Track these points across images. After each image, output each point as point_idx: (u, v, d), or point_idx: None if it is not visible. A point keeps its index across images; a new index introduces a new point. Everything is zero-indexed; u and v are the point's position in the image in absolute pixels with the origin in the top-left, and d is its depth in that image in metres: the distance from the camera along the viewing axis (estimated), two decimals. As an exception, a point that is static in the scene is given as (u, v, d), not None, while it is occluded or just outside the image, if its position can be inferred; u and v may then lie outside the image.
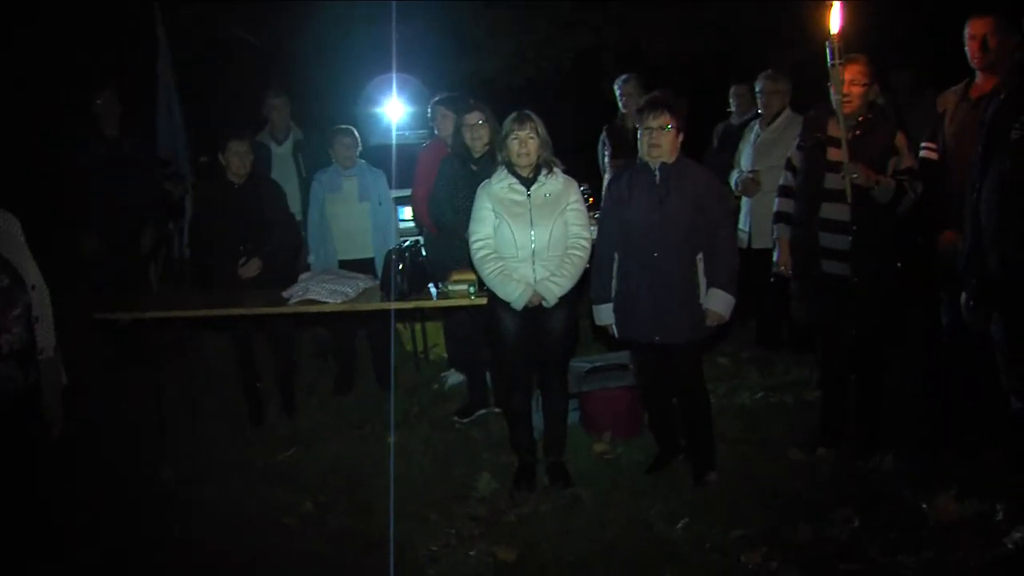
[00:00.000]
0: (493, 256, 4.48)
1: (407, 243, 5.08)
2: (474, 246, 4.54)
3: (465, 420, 5.55)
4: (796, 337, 5.94)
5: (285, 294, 5.11)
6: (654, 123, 4.38)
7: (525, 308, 4.45)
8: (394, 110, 8.30)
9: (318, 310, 5.02)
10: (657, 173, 4.42)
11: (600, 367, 5.11)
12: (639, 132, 4.47)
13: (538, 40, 10.33)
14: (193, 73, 7.87)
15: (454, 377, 6.24)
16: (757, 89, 6.00)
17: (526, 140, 4.45)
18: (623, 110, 6.71)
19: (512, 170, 4.52)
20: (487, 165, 5.33)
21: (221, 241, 5.52)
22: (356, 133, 6.05)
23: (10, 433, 3.13)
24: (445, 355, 6.69)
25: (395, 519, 4.34)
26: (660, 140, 4.38)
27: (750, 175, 5.82)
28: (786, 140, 5.76)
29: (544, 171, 4.52)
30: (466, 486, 4.64)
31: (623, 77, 6.70)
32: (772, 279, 5.02)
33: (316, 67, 9.22)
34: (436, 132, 5.97)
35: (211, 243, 5.53)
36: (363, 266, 5.84)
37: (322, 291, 5.00)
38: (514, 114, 4.53)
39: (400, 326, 6.66)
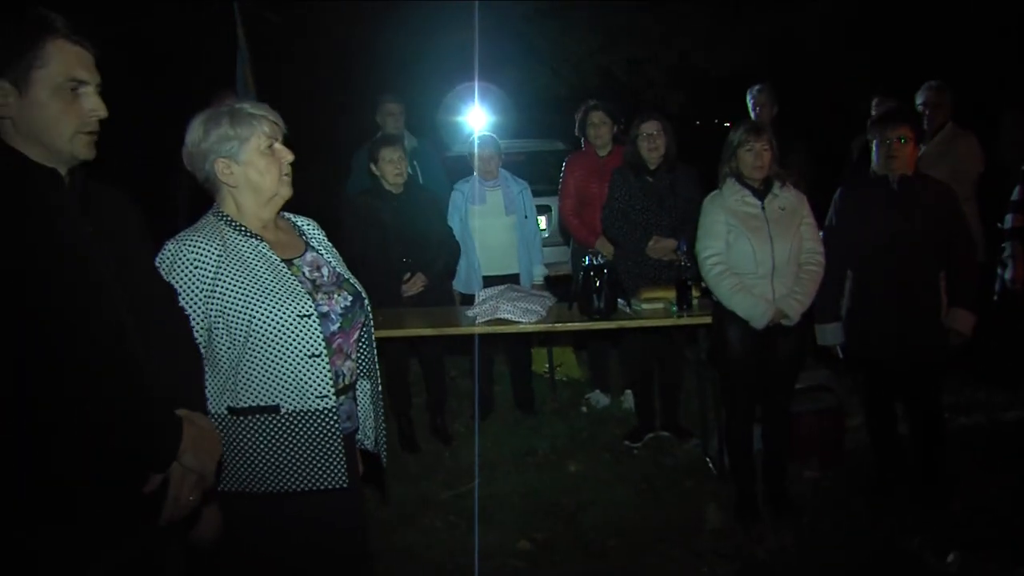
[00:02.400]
0: (729, 272, 4.12)
1: (600, 259, 4.65)
2: (708, 261, 4.17)
3: (637, 444, 5.16)
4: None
5: (470, 313, 4.67)
6: (893, 135, 4.11)
7: (757, 328, 4.10)
8: (476, 119, 7.86)
9: (516, 330, 4.58)
10: (896, 186, 4.12)
11: (803, 389, 4.76)
12: (874, 144, 4.18)
13: (588, 50, 10.00)
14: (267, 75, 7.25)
15: (600, 398, 5.86)
16: (919, 101, 5.71)
17: (761, 152, 4.11)
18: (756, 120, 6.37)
19: (743, 182, 4.17)
20: (663, 176, 5.01)
21: (380, 256, 4.97)
22: (498, 143, 5.61)
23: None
24: (571, 375, 6.32)
25: (631, 556, 3.97)
26: (899, 152, 4.11)
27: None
28: (952, 153, 5.51)
29: (778, 184, 4.18)
30: (688, 517, 4.28)
31: (756, 87, 6.36)
32: (996, 297, 4.76)
33: (395, 72, 8.68)
34: (588, 140, 5.60)
35: (368, 258, 4.96)
36: (507, 282, 5.38)
37: (514, 310, 4.56)
38: (746, 124, 4.21)
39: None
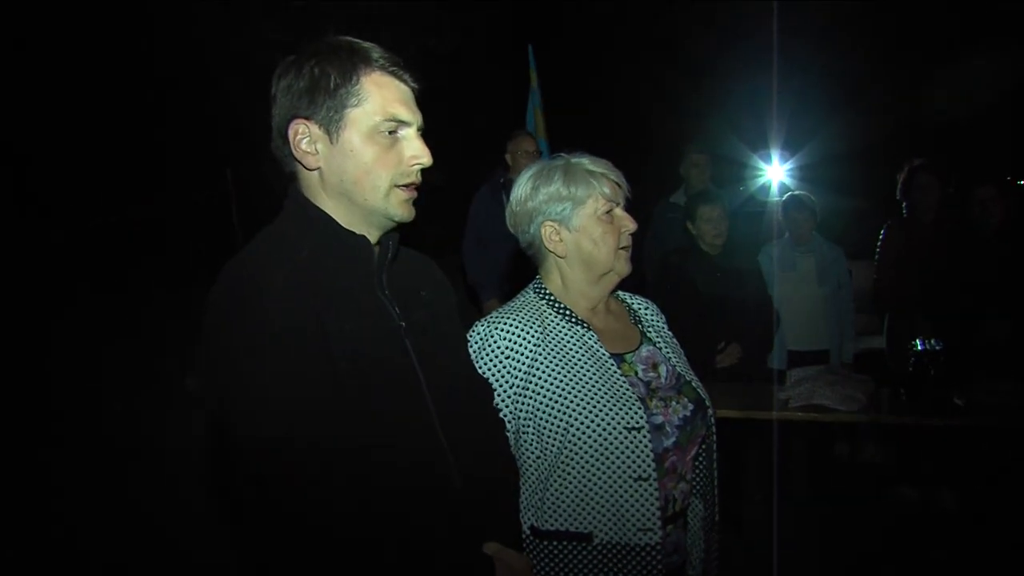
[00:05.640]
0: None
1: (935, 344, 3.80)
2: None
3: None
4: None
5: (782, 395, 3.95)
6: None
7: None
8: (775, 173, 7.13)
9: (832, 419, 3.82)
10: None
11: None
12: None
13: (887, 101, 8.99)
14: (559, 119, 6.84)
15: (910, 493, 4.89)
16: None
17: None
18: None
19: None
20: (1000, 247, 4.13)
21: (692, 323, 4.29)
22: (813, 203, 4.86)
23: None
24: (873, 459, 5.40)
25: None
26: None
27: None
28: None
29: None
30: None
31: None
32: None
33: (693, 121, 8.14)
34: (911, 204, 4.78)
35: (677, 324, 4.29)
36: (815, 360, 4.59)
37: (832, 395, 3.80)
38: None
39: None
